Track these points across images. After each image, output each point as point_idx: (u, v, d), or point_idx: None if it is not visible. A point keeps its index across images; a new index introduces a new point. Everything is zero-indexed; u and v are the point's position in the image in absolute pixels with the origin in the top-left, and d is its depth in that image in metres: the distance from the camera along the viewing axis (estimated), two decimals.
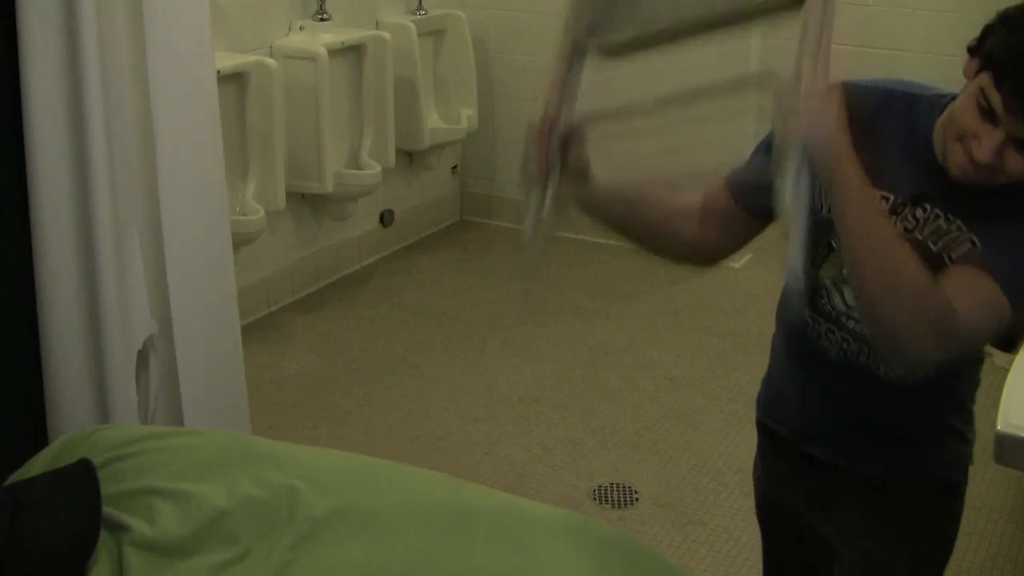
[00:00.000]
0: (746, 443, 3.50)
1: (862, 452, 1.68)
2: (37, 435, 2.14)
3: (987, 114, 1.41)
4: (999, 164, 1.43)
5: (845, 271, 1.59)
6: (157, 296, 2.22)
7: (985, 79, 1.42)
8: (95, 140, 1.99)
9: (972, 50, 1.46)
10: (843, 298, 1.63)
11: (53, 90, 1.98)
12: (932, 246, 1.53)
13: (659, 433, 3.51)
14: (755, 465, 1.96)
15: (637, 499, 3.15)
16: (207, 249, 2.29)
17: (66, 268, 2.06)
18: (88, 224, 2.04)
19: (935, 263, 1.52)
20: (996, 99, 1.40)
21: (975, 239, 1.51)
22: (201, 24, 2.15)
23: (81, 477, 1.74)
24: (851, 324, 1.64)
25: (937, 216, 1.53)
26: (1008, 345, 1.67)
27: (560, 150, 1.56)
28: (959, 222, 1.52)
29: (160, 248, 2.19)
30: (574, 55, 1.55)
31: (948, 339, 1.45)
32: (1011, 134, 1.40)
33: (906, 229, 1.55)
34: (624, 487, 3.21)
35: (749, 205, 1.68)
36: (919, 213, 1.55)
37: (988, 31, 1.45)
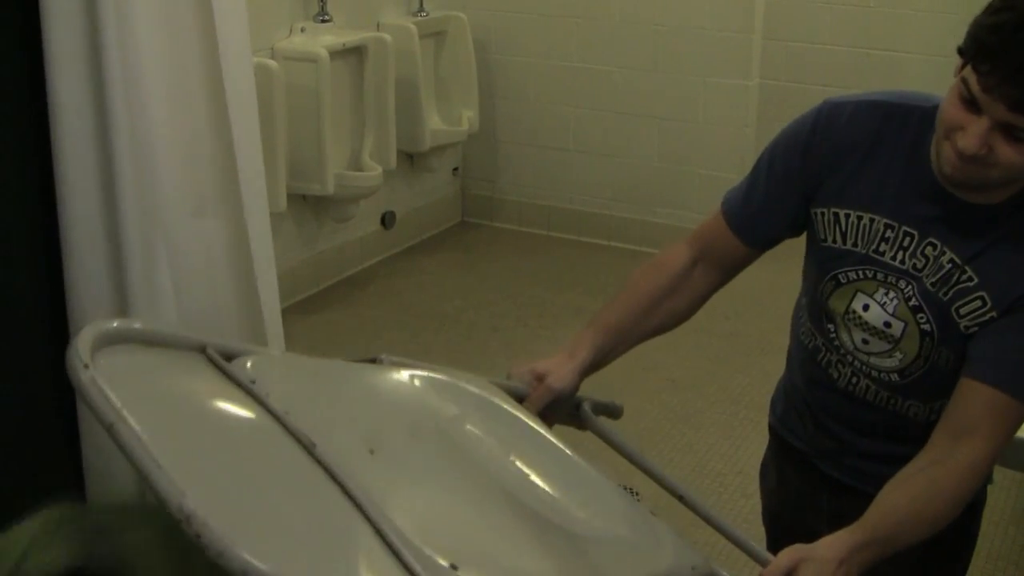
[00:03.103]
0: (747, 445, 3.50)
1: (879, 474, 1.59)
2: (69, 441, 2.12)
3: (970, 104, 1.38)
4: (989, 156, 1.38)
5: (854, 307, 1.59)
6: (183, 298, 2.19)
7: (966, 70, 1.38)
8: (120, 145, 1.97)
9: (961, 51, 1.42)
10: (851, 338, 1.61)
11: (78, 93, 1.96)
12: (942, 296, 1.51)
13: (660, 434, 3.51)
14: (764, 469, 1.94)
15: (638, 500, 3.14)
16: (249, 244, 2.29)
17: (96, 270, 2.04)
18: (116, 227, 2.03)
19: (944, 317, 1.52)
20: (975, 84, 1.36)
21: (987, 297, 1.48)
22: (239, 19, 2.11)
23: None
24: (858, 363, 1.62)
25: (944, 254, 1.51)
26: None
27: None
28: (969, 270, 1.49)
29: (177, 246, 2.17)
30: None
31: (987, 476, 1.56)
32: (995, 119, 1.36)
33: (915, 268, 1.53)
34: (625, 488, 3.20)
35: (758, 241, 1.69)
36: (928, 251, 1.52)
37: (970, 27, 1.41)
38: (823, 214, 1.59)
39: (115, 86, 1.94)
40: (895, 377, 1.60)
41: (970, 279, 1.49)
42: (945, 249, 1.51)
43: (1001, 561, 2.93)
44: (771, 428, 1.88)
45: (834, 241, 1.59)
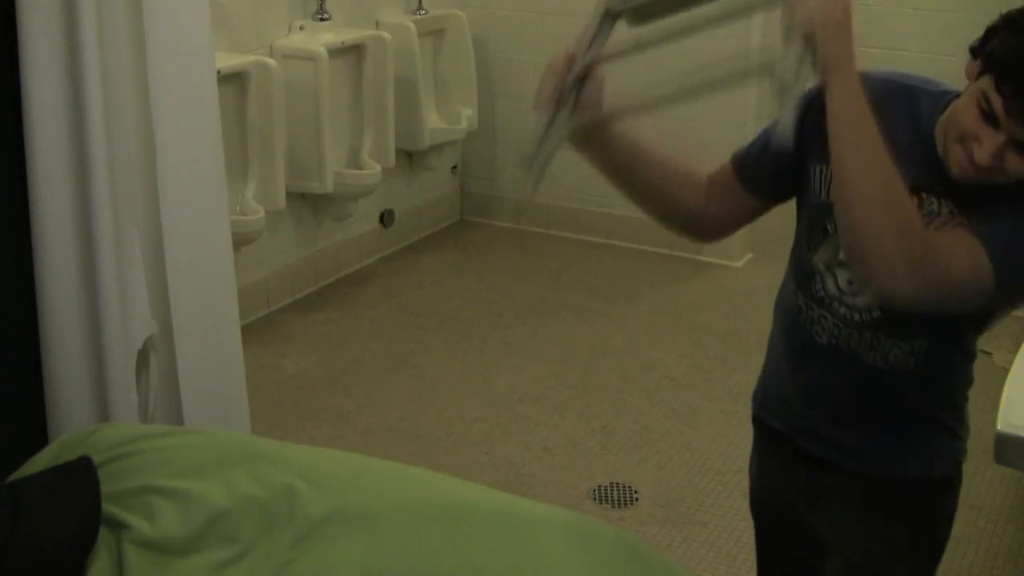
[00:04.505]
0: (746, 443, 3.49)
1: (853, 446, 1.69)
2: (37, 435, 2.14)
3: (988, 116, 1.42)
4: (999, 166, 1.44)
5: (841, 255, 1.61)
6: (157, 296, 2.22)
7: (986, 81, 1.42)
8: (95, 140, 1.99)
9: (974, 51, 1.46)
10: (836, 282, 1.64)
11: (53, 90, 1.98)
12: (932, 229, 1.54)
13: (659, 433, 3.51)
14: (750, 460, 1.97)
15: (637, 499, 3.15)
16: (207, 249, 2.29)
17: (66, 267, 2.06)
18: (88, 224, 2.04)
19: None
20: (997, 102, 1.40)
21: (977, 228, 1.51)
22: (201, 23, 2.15)
23: (81, 475, 1.74)
24: (842, 310, 1.64)
25: (940, 205, 1.54)
26: (980, 325, 1.67)
27: (575, 85, 1.59)
28: (962, 218, 1.53)
29: (160, 248, 2.19)
30: (604, 18, 1.58)
31: (924, 275, 1.45)
32: (1011, 137, 1.41)
33: None
34: (624, 487, 3.21)
35: (750, 182, 1.72)
36: (916, 201, 1.55)
37: (991, 33, 1.45)
38: (821, 170, 1.62)
39: (92, 89, 1.96)
40: (876, 313, 1.61)
41: (962, 223, 1.52)
42: (941, 202, 1.54)
43: (1000, 559, 2.93)
44: (754, 419, 1.91)
45: (827, 197, 1.61)
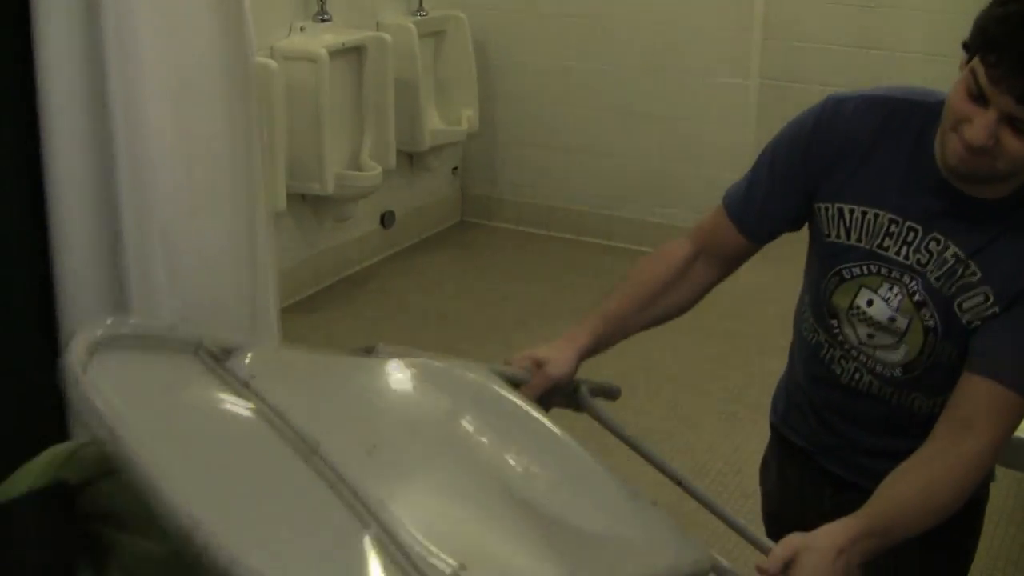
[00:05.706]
0: (747, 444, 3.50)
1: (881, 471, 1.57)
2: (59, 434, 2.12)
3: (977, 96, 1.39)
4: (995, 148, 1.39)
5: (858, 302, 1.59)
6: (171, 299, 2.19)
7: (974, 61, 1.39)
8: (117, 140, 1.98)
9: (966, 45, 1.43)
10: (856, 333, 1.61)
11: (72, 91, 1.96)
12: (946, 292, 1.52)
13: (659, 434, 3.51)
14: (764, 467, 1.94)
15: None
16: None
17: (85, 270, 2.04)
18: (108, 228, 2.03)
19: (947, 312, 1.52)
20: (983, 75, 1.37)
21: (990, 292, 1.48)
22: (240, 16, 2.11)
23: (54, 503, 1.69)
24: (863, 358, 1.62)
25: (948, 248, 1.51)
26: None
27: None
28: (973, 264, 1.49)
29: (175, 253, 2.17)
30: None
31: (988, 471, 1.58)
32: (1002, 111, 1.37)
33: (919, 263, 1.53)
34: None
35: (759, 235, 1.70)
36: (932, 246, 1.52)
37: (977, 21, 1.42)
38: (827, 209, 1.60)
39: (112, 84, 1.94)
40: (898, 372, 1.60)
41: (974, 273, 1.50)
42: (949, 243, 1.51)
43: (1000, 560, 2.93)
44: (772, 426, 1.89)
45: (838, 236, 1.59)
